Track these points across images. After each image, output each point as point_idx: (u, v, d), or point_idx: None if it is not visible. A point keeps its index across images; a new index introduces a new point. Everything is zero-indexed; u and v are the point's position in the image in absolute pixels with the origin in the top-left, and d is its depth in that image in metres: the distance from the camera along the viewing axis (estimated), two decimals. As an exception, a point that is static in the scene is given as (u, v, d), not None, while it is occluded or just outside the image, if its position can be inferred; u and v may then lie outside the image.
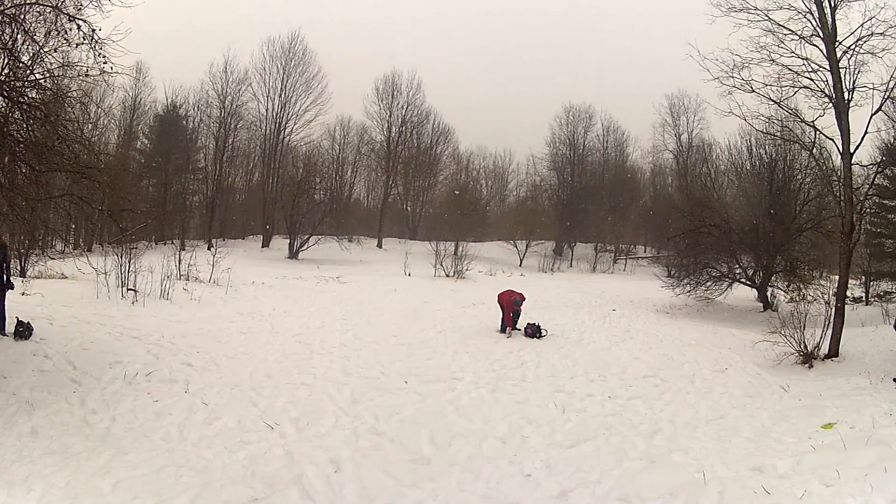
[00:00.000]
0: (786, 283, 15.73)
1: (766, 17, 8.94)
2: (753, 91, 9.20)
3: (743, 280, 16.23)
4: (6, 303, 6.82)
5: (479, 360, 7.61)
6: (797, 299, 13.93)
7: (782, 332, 8.09)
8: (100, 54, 6.60)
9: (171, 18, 48.16)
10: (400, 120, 38.82)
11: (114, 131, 31.59)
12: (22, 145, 6.18)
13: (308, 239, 28.88)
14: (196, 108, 33.85)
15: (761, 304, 15.72)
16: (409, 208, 41.63)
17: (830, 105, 8.63)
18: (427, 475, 4.13)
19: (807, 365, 7.78)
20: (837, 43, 8.50)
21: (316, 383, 6.15)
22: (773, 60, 8.99)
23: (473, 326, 10.19)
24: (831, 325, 8.24)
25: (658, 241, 32.80)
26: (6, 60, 6.24)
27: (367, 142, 39.50)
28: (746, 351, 8.73)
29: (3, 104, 6.12)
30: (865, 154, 15.39)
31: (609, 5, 68.19)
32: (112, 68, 6.75)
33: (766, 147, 17.79)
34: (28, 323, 6.68)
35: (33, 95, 6.40)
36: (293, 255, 28.48)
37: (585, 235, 37.18)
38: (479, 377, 6.77)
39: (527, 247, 32.68)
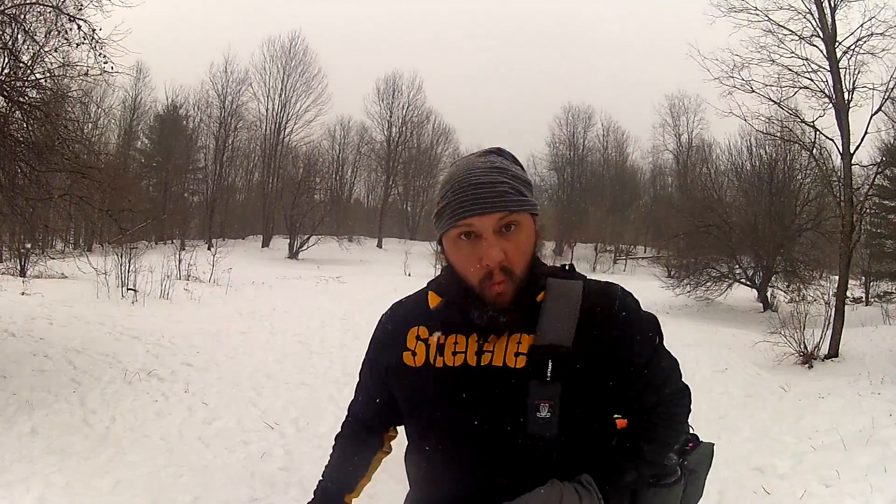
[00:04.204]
0: (786, 284, 15.74)
1: (766, 18, 8.96)
2: (753, 91, 9.22)
3: (743, 280, 16.24)
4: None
5: (479, 360, 7.59)
6: (797, 299, 13.93)
7: (782, 332, 8.09)
8: (100, 54, 6.61)
9: (172, 18, 48.20)
10: (400, 120, 38.89)
11: (114, 131, 31.65)
12: (22, 145, 6.19)
13: (308, 239, 28.90)
14: (196, 108, 33.95)
15: (761, 305, 15.73)
16: (409, 208, 41.66)
17: (830, 105, 8.63)
18: (427, 475, 4.12)
19: (807, 365, 7.78)
20: (837, 43, 8.50)
21: (316, 383, 6.15)
22: (773, 61, 9.01)
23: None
24: (831, 325, 8.24)
25: (658, 242, 32.81)
26: (6, 60, 6.24)
27: (368, 142, 39.57)
28: (746, 351, 8.72)
29: (4, 104, 6.12)
30: (865, 154, 15.44)
31: (610, 6, 68.29)
32: (112, 68, 6.76)
33: (766, 147, 17.83)
34: None
35: (33, 95, 6.41)
36: (293, 255, 28.50)
37: (585, 235, 37.20)
38: (479, 377, 6.76)
39: (527, 247, 32.65)
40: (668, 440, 1.07)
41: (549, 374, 0.94)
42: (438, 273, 1.12)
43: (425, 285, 1.13)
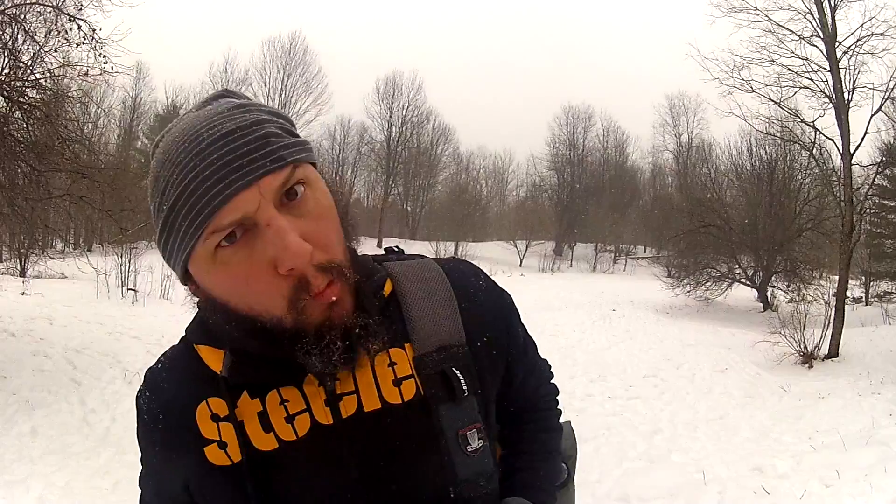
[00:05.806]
0: (786, 284, 15.74)
1: (767, 18, 8.97)
2: (753, 91, 9.24)
3: (743, 280, 16.23)
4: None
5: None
6: (797, 299, 13.94)
7: (782, 332, 8.10)
8: (100, 54, 6.62)
9: (171, 18, 48.23)
10: (400, 120, 38.86)
11: (114, 131, 31.53)
12: (22, 145, 6.19)
13: (308, 239, 28.92)
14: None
15: (761, 305, 15.72)
16: (409, 208, 41.67)
17: (830, 105, 8.64)
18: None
19: (807, 365, 7.79)
20: (837, 43, 8.51)
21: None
22: (773, 61, 9.03)
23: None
24: (831, 325, 8.25)
25: (658, 241, 32.80)
26: (6, 60, 6.25)
27: (367, 142, 39.53)
28: (746, 351, 8.73)
29: (3, 104, 6.12)
30: (865, 154, 15.44)
31: (610, 5, 68.33)
32: (112, 68, 6.77)
33: (766, 147, 17.80)
34: None
35: (33, 95, 6.41)
36: (293, 255, 28.53)
37: (585, 235, 37.21)
38: (479, 377, 6.75)
39: (527, 247, 32.70)
40: (558, 423, 0.88)
41: (464, 388, 0.66)
42: (194, 318, 0.71)
43: (183, 336, 0.72)
